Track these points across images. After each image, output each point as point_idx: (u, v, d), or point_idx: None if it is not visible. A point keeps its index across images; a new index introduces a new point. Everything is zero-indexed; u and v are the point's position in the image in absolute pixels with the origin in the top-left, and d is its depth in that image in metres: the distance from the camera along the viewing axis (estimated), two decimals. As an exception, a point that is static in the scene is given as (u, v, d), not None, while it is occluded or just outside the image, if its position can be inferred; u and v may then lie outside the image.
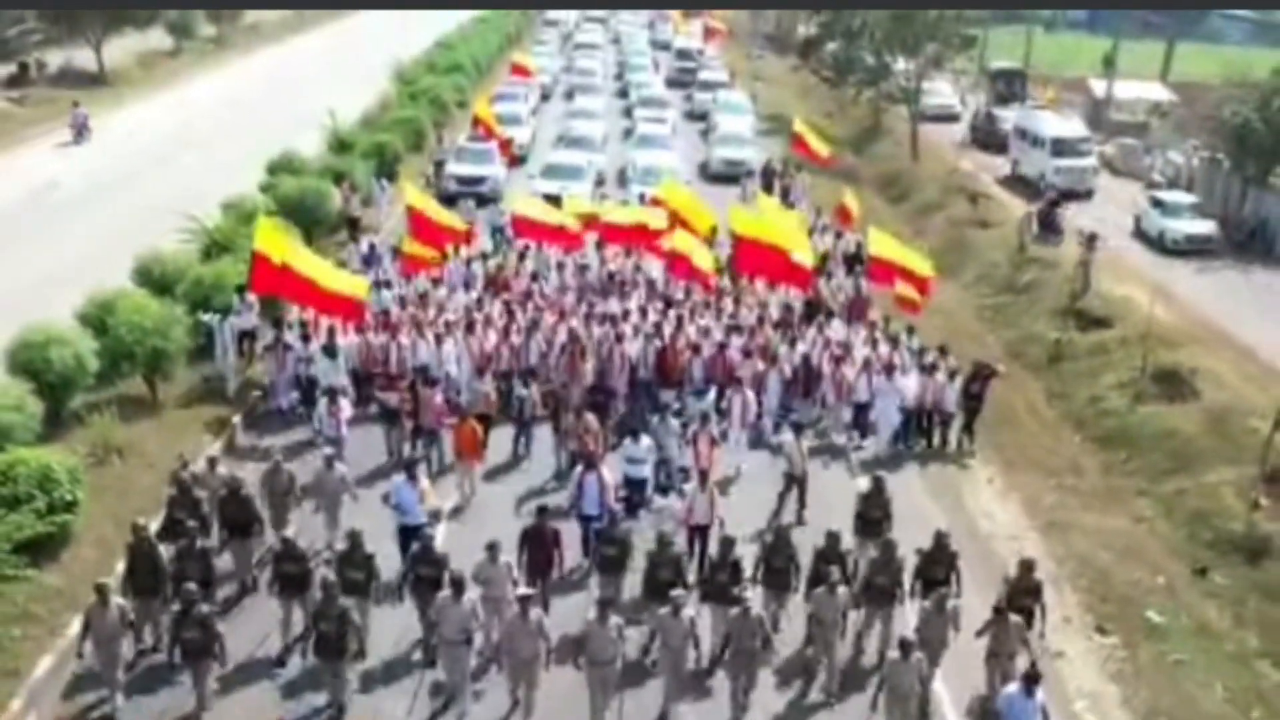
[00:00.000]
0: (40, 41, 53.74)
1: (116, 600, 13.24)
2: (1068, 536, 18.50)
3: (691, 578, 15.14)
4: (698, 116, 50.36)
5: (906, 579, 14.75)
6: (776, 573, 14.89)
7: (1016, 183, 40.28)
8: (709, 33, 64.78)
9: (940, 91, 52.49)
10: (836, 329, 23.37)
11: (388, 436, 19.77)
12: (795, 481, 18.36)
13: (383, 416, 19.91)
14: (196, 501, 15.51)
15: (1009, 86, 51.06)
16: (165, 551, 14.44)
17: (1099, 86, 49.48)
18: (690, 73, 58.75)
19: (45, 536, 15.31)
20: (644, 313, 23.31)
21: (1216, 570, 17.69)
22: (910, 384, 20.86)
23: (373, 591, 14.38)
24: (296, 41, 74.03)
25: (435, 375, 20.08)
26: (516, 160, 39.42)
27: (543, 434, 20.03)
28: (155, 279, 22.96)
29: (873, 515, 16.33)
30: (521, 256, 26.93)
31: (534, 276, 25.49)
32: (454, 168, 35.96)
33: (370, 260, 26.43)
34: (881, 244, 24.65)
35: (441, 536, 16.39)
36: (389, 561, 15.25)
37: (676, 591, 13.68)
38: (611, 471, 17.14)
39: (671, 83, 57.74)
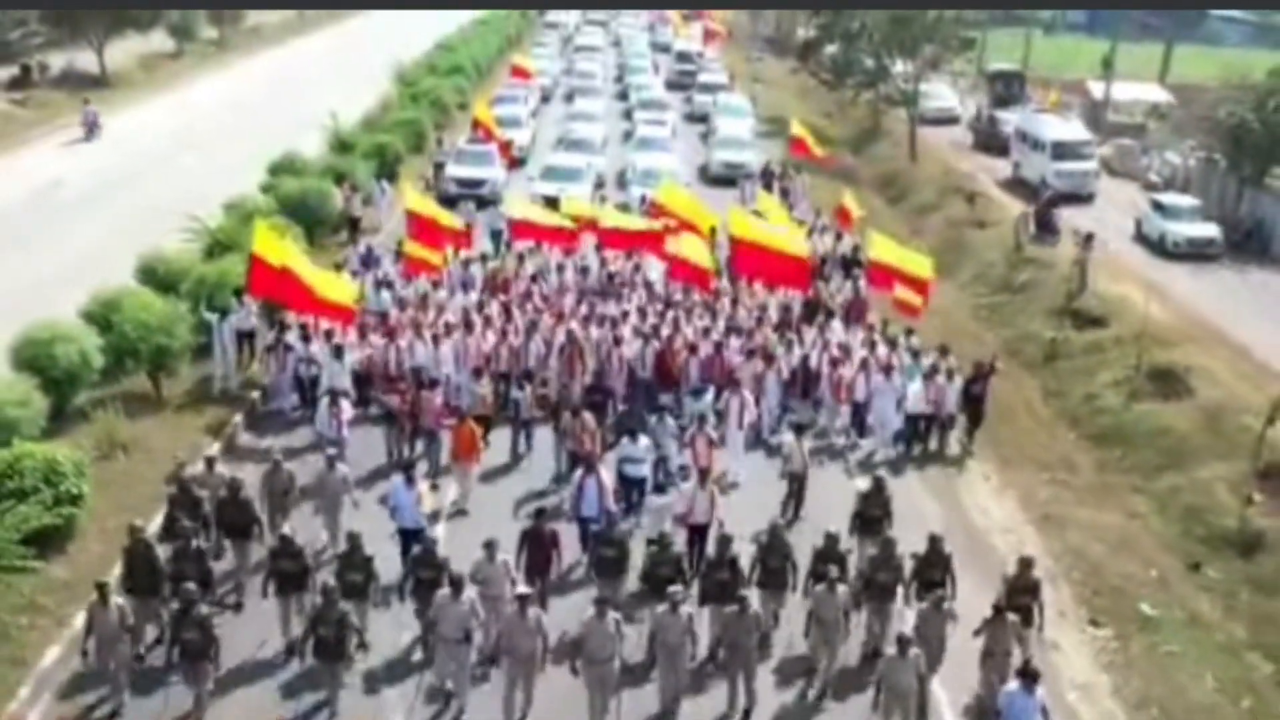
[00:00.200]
0: (42, 44, 53.90)
1: (116, 600, 13.32)
2: (1062, 531, 18.69)
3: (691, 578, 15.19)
4: (697, 119, 50.47)
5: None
6: (773, 572, 14.94)
7: (1018, 186, 40.27)
8: (709, 35, 65.03)
9: (941, 94, 52.58)
10: (836, 330, 23.46)
11: (388, 438, 19.83)
12: (797, 481, 18.47)
13: (383, 418, 19.99)
14: (197, 501, 15.58)
15: (1007, 88, 51.10)
16: (164, 551, 14.51)
17: (1097, 88, 49.65)
18: (690, 75, 58.91)
19: (52, 529, 15.47)
20: (643, 314, 23.46)
21: (1209, 565, 17.88)
22: (915, 390, 20.85)
23: (371, 594, 14.44)
24: (298, 44, 74.23)
25: (435, 376, 20.12)
26: (516, 162, 39.53)
27: (543, 435, 20.10)
28: (159, 278, 23.17)
29: (872, 514, 16.41)
30: (521, 259, 27.03)
31: (534, 278, 25.58)
32: (453, 170, 36.00)
33: (369, 262, 26.54)
34: (882, 248, 24.81)
35: (440, 537, 16.44)
36: (389, 564, 15.32)
37: (675, 588, 13.76)
38: (608, 472, 17.24)
39: (671, 85, 57.87)
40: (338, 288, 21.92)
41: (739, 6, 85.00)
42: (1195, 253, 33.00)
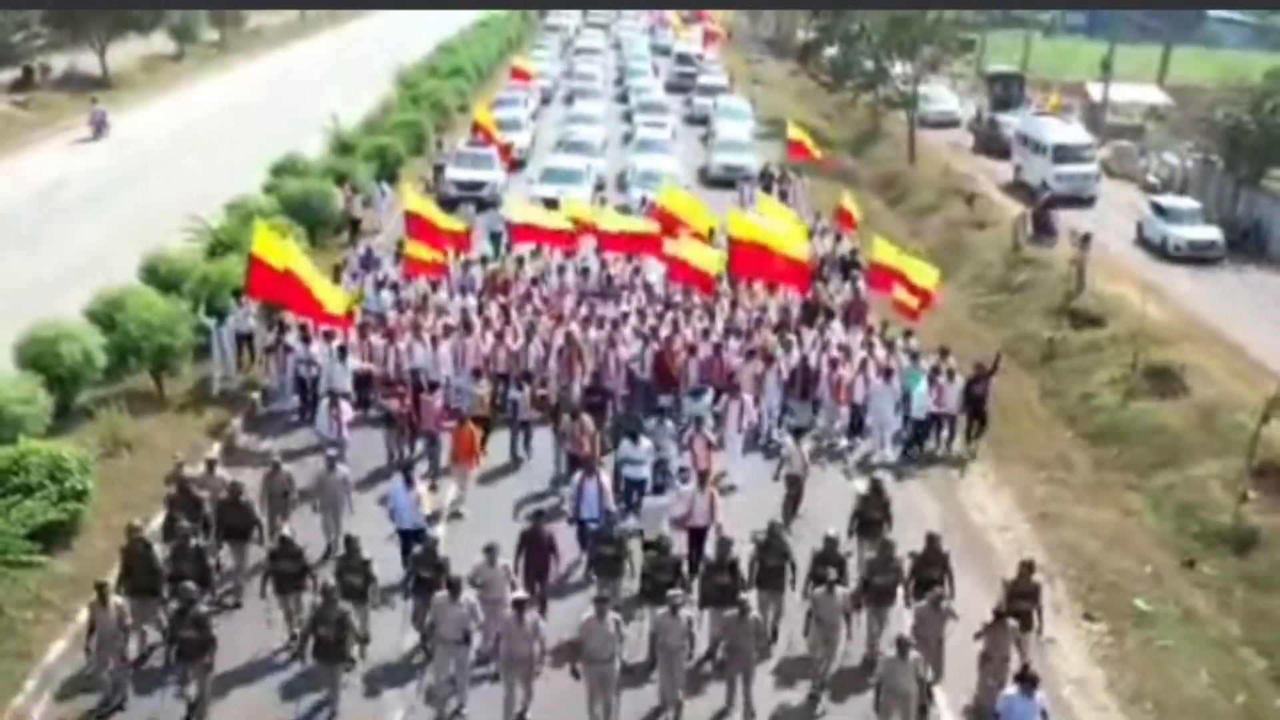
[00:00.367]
0: (44, 46, 53.99)
1: (115, 600, 13.38)
2: (1058, 528, 18.82)
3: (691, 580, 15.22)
4: (697, 121, 50.56)
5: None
6: (771, 571, 14.97)
7: (1019, 189, 40.24)
8: (708, 37, 65.13)
9: (941, 98, 52.69)
10: (836, 331, 23.52)
11: (388, 440, 19.83)
12: (797, 483, 18.50)
13: (383, 420, 20.02)
14: (198, 502, 15.65)
15: (1006, 90, 51.15)
16: (162, 551, 14.58)
17: (1096, 90, 49.78)
18: (690, 77, 58.92)
19: (57, 524, 15.64)
20: (642, 316, 23.51)
21: (1204, 561, 18.02)
22: (920, 393, 20.85)
23: (370, 595, 14.49)
24: (299, 46, 74.30)
25: (434, 378, 20.13)
26: (516, 165, 39.56)
27: (543, 436, 20.15)
28: (161, 277, 23.30)
29: (872, 516, 16.45)
30: (521, 262, 27.05)
31: (534, 280, 25.60)
32: (453, 173, 35.93)
33: (368, 263, 26.57)
34: (883, 252, 24.92)
35: (440, 538, 16.45)
36: (389, 565, 15.38)
37: (674, 591, 13.83)
38: (606, 473, 17.29)
39: (671, 87, 57.91)
40: (333, 296, 21.89)
41: (739, 7, 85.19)
42: (1197, 256, 33.05)
